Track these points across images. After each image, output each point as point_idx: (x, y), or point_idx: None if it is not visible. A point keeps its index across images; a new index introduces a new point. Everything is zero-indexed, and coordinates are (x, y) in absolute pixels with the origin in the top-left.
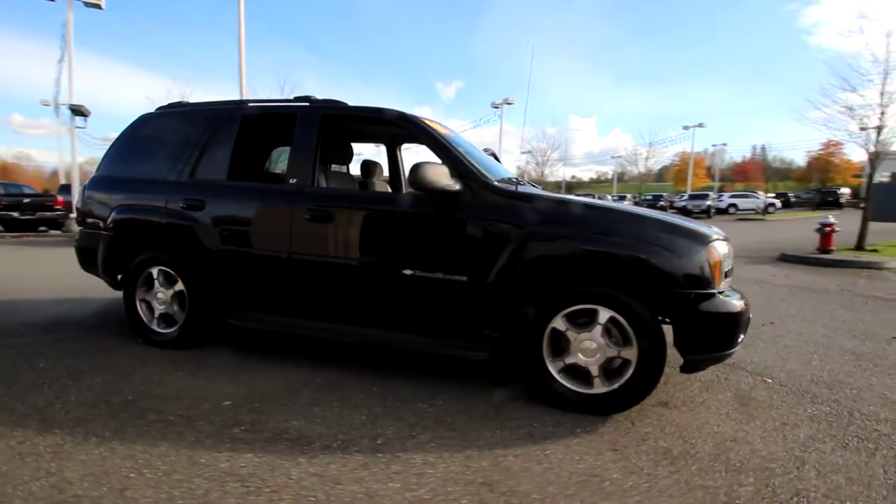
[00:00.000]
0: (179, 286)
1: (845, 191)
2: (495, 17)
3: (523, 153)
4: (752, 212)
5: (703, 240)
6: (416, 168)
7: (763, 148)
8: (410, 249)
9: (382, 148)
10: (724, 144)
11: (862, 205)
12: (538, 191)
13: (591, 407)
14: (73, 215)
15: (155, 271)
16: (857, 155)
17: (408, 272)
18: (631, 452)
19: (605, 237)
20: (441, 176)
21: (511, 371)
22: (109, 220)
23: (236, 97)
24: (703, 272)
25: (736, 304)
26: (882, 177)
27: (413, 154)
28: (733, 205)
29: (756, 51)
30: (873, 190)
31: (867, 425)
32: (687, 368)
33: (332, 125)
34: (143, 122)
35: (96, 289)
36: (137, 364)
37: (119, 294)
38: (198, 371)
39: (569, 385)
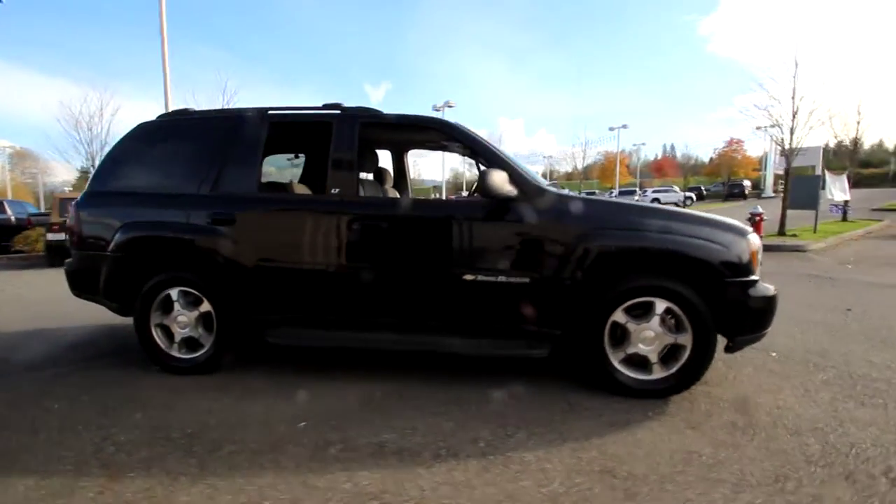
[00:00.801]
0: (205, 307)
1: (747, 183)
2: (423, 20)
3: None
4: (674, 205)
5: (744, 233)
6: (486, 175)
7: (672, 146)
8: (471, 255)
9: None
10: (643, 144)
11: (764, 195)
12: (584, 195)
13: (651, 392)
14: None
15: (174, 293)
16: (754, 151)
17: (469, 277)
18: (707, 428)
19: (658, 235)
20: (504, 183)
21: (546, 364)
22: (116, 239)
23: (161, 100)
24: (748, 262)
25: (772, 288)
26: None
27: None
28: (657, 199)
29: (664, 57)
30: (791, 182)
31: (868, 385)
32: (732, 349)
33: (369, 133)
34: (144, 131)
35: (66, 316)
36: (171, 394)
37: (105, 317)
38: (245, 395)
39: (629, 373)
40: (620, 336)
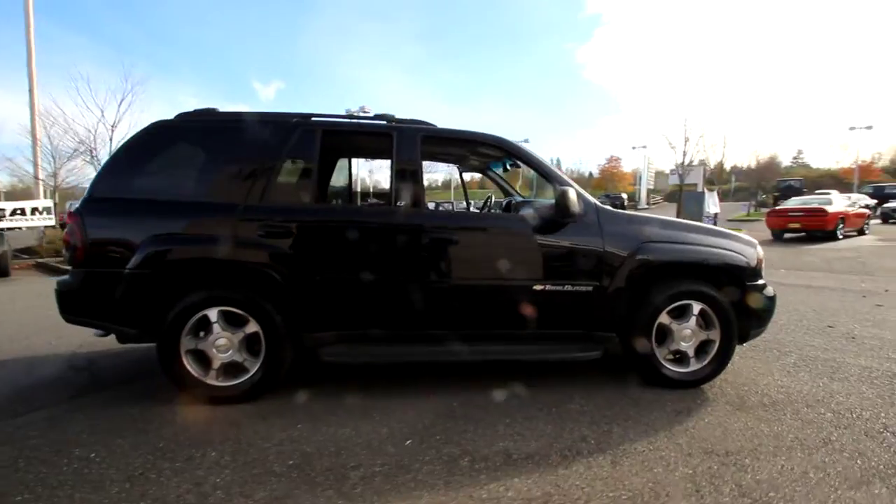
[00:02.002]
0: (252, 328)
1: (625, 196)
2: (319, 22)
3: None
4: None
5: (754, 244)
6: (566, 193)
7: (559, 161)
8: (541, 266)
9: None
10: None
11: (640, 206)
12: (628, 211)
13: (689, 382)
14: None
15: (213, 314)
16: (629, 167)
17: (538, 287)
18: (747, 408)
19: (695, 247)
20: (577, 200)
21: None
22: (141, 254)
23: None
24: (759, 268)
25: (772, 289)
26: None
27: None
28: None
29: (551, 80)
30: (683, 196)
31: (825, 364)
32: (744, 340)
33: (427, 146)
34: (162, 132)
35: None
36: (230, 426)
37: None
38: (322, 417)
39: (672, 367)
40: (664, 335)
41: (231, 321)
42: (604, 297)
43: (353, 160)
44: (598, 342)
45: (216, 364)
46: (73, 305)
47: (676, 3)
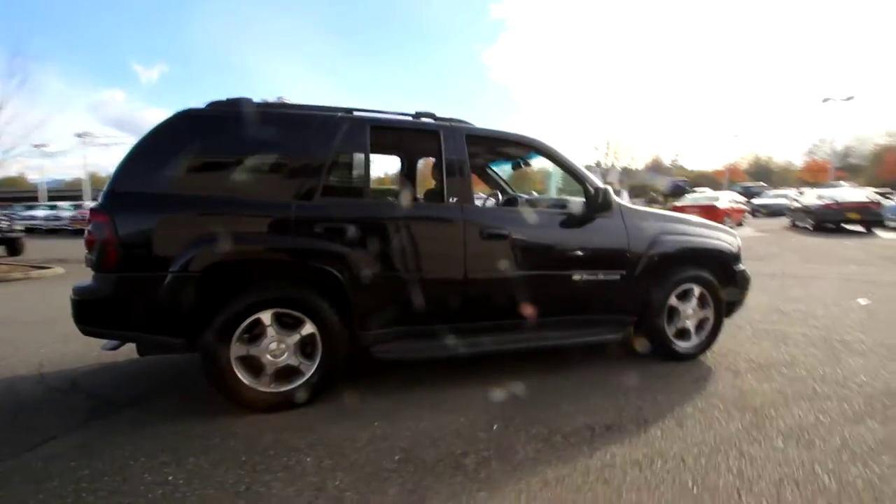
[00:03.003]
0: (308, 329)
1: (535, 194)
2: (211, 6)
3: None
4: None
5: (734, 234)
6: (608, 191)
7: None
8: (579, 258)
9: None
10: None
11: None
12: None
13: (691, 355)
14: None
15: (267, 317)
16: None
17: (577, 277)
18: (749, 373)
19: (698, 238)
20: (614, 198)
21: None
22: (190, 254)
23: None
24: (740, 254)
25: (748, 271)
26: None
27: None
28: None
29: (461, 80)
30: None
31: (797, 338)
32: (728, 316)
33: (471, 145)
34: (193, 121)
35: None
36: (306, 432)
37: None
38: (393, 414)
39: (679, 342)
40: (672, 315)
41: (285, 323)
42: (628, 284)
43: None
44: (622, 325)
45: (270, 369)
46: (98, 315)
47: (574, 11)
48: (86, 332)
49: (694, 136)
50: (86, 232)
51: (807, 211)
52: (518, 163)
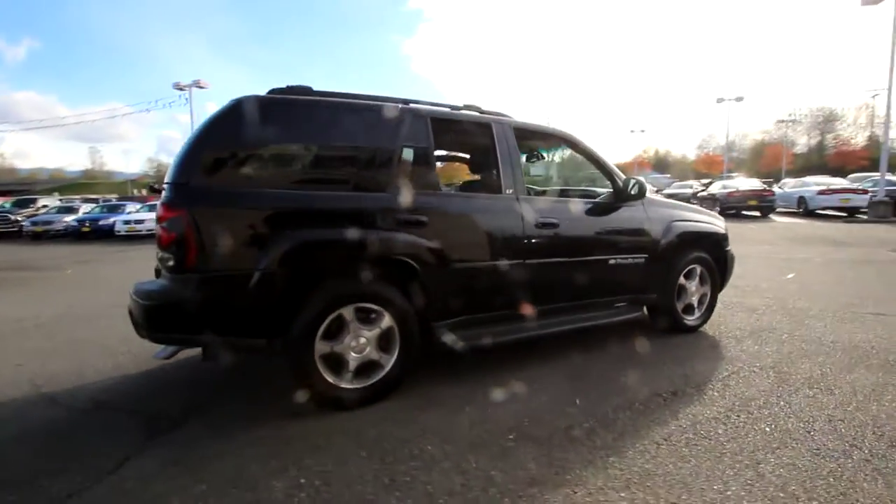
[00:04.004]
0: (387, 322)
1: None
2: None
3: None
4: None
5: (721, 219)
6: (641, 182)
7: None
8: (616, 243)
9: None
10: None
11: None
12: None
13: (696, 327)
14: None
15: (348, 312)
16: None
17: (612, 261)
18: (748, 338)
19: (702, 224)
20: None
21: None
22: (277, 250)
23: None
24: (728, 236)
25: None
26: None
27: None
28: None
29: (378, 69)
30: None
31: (765, 306)
32: (719, 292)
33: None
34: (256, 109)
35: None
36: (409, 423)
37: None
38: (476, 399)
39: (686, 316)
40: (680, 293)
41: (364, 318)
42: (650, 267)
43: None
44: (643, 304)
45: (352, 365)
46: (176, 320)
47: (490, 4)
48: (157, 340)
49: (603, 130)
50: (159, 230)
51: (713, 199)
52: (534, 155)
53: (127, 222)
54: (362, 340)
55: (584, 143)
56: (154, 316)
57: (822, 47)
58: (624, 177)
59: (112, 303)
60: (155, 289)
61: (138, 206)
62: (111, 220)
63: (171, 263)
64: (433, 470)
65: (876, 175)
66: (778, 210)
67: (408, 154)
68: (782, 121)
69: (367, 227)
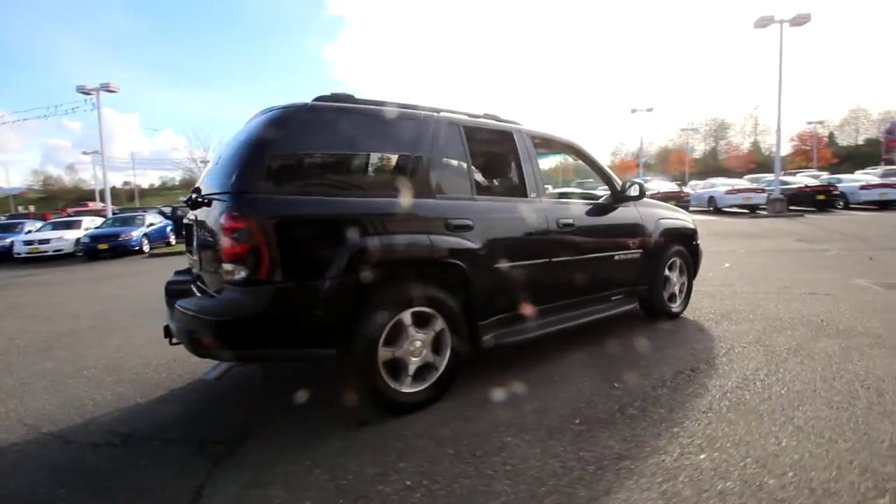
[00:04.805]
0: (439, 325)
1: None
2: None
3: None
4: None
5: (691, 216)
6: (642, 185)
7: None
8: (620, 240)
9: None
10: None
11: None
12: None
13: (678, 314)
14: None
15: (407, 316)
16: None
17: (617, 256)
18: (726, 320)
19: (681, 221)
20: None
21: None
22: (345, 258)
23: None
24: (697, 231)
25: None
26: None
27: None
28: None
29: (298, 76)
30: None
31: (726, 291)
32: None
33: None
34: (309, 117)
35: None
36: (474, 420)
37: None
38: (521, 395)
39: (670, 304)
40: (665, 283)
41: (419, 322)
42: (644, 261)
43: None
44: (637, 295)
45: (411, 370)
46: (251, 334)
47: (414, 10)
48: (235, 358)
49: None
50: (226, 241)
51: None
52: None
53: (29, 242)
54: (418, 344)
55: (585, 149)
56: (227, 332)
57: (718, 64)
58: (621, 180)
59: (60, 332)
60: (225, 303)
61: (39, 223)
62: (7, 240)
63: (241, 276)
64: (528, 458)
65: (767, 175)
66: (690, 210)
67: (448, 161)
68: (684, 129)
69: (424, 231)
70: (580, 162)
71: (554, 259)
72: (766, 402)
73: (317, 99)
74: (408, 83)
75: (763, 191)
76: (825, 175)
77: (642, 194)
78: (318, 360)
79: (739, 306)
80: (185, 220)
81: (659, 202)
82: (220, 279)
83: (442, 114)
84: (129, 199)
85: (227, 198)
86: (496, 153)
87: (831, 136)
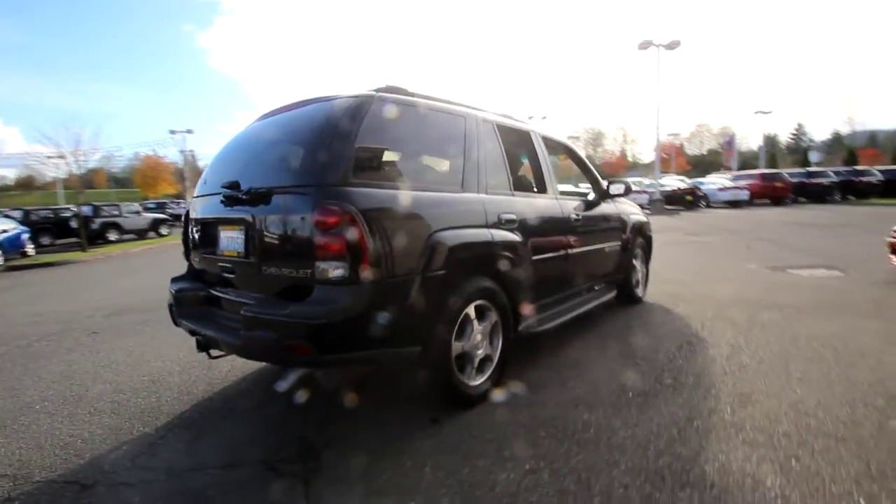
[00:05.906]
0: (493, 317)
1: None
2: None
3: None
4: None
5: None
6: (629, 185)
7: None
8: (608, 233)
9: None
10: (192, 151)
11: None
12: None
13: (641, 299)
14: None
15: (472, 310)
16: None
17: (606, 248)
18: (690, 304)
19: (640, 214)
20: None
21: None
22: (434, 252)
23: None
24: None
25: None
26: None
27: None
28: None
29: (168, 63)
30: None
31: (694, 275)
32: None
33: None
34: (389, 108)
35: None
36: (523, 408)
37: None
38: (551, 385)
39: (637, 290)
40: (631, 271)
41: (479, 315)
42: (623, 252)
43: None
44: (614, 284)
45: (476, 362)
46: (353, 337)
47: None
48: (328, 364)
49: None
50: (320, 238)
51: None
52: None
53: None
54: (479, 337)
55: (578, 151)
56: (329, 335)
57: (602, 78)
58: (604, 180)
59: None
60: (325, 305)
61: None
62: None
63: (338, 274)
64: (616, 429)
65: (644, 179)
66: None
67: (493, 157)
68: (570, 136)
69: (485, 226)
70: (569, 161)
71: (570, 251)
72: (770, 363)
73: (380, 91)
74: (292, 74)
75: (645, 192)
76: (688, 179)
77: (628, 191)
78: (401, 362)
79: (679, 290)
80: (191, 221)
81: (625, 200)
82: (269, 281)
83: (478, 111)
84: None
85: (313, 191)
86: (519, 151)
87: (682, 146)
